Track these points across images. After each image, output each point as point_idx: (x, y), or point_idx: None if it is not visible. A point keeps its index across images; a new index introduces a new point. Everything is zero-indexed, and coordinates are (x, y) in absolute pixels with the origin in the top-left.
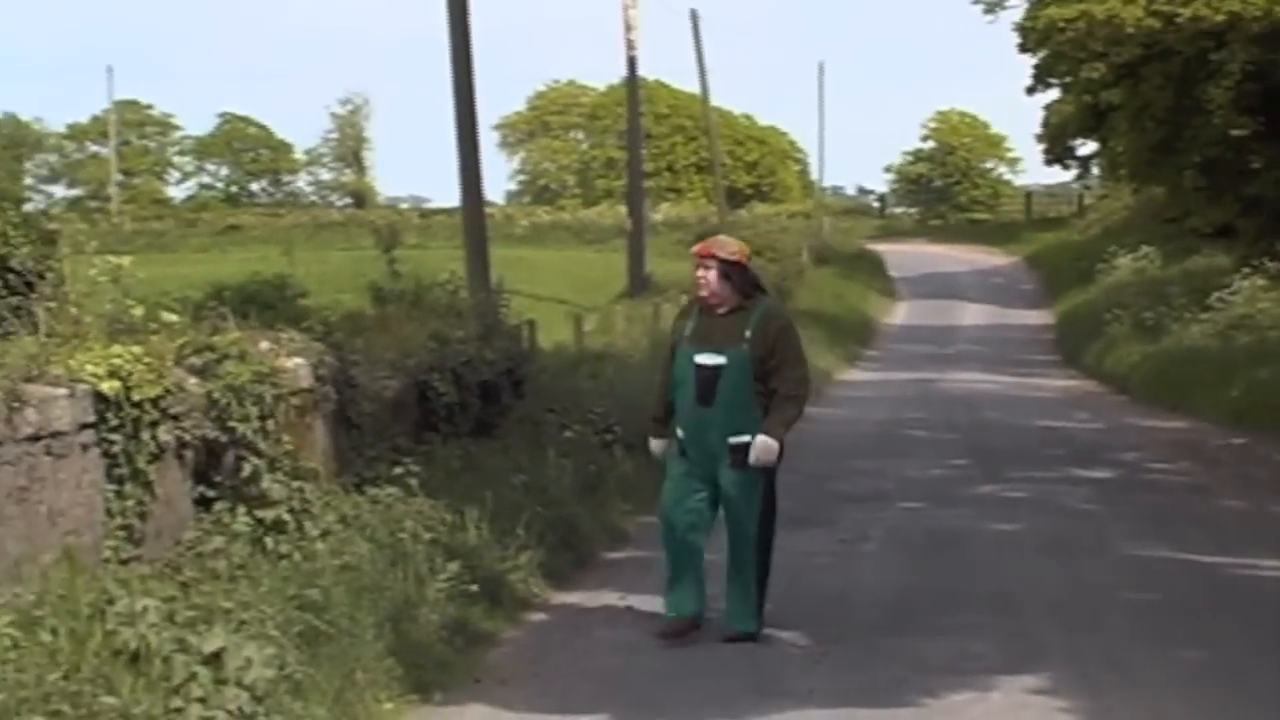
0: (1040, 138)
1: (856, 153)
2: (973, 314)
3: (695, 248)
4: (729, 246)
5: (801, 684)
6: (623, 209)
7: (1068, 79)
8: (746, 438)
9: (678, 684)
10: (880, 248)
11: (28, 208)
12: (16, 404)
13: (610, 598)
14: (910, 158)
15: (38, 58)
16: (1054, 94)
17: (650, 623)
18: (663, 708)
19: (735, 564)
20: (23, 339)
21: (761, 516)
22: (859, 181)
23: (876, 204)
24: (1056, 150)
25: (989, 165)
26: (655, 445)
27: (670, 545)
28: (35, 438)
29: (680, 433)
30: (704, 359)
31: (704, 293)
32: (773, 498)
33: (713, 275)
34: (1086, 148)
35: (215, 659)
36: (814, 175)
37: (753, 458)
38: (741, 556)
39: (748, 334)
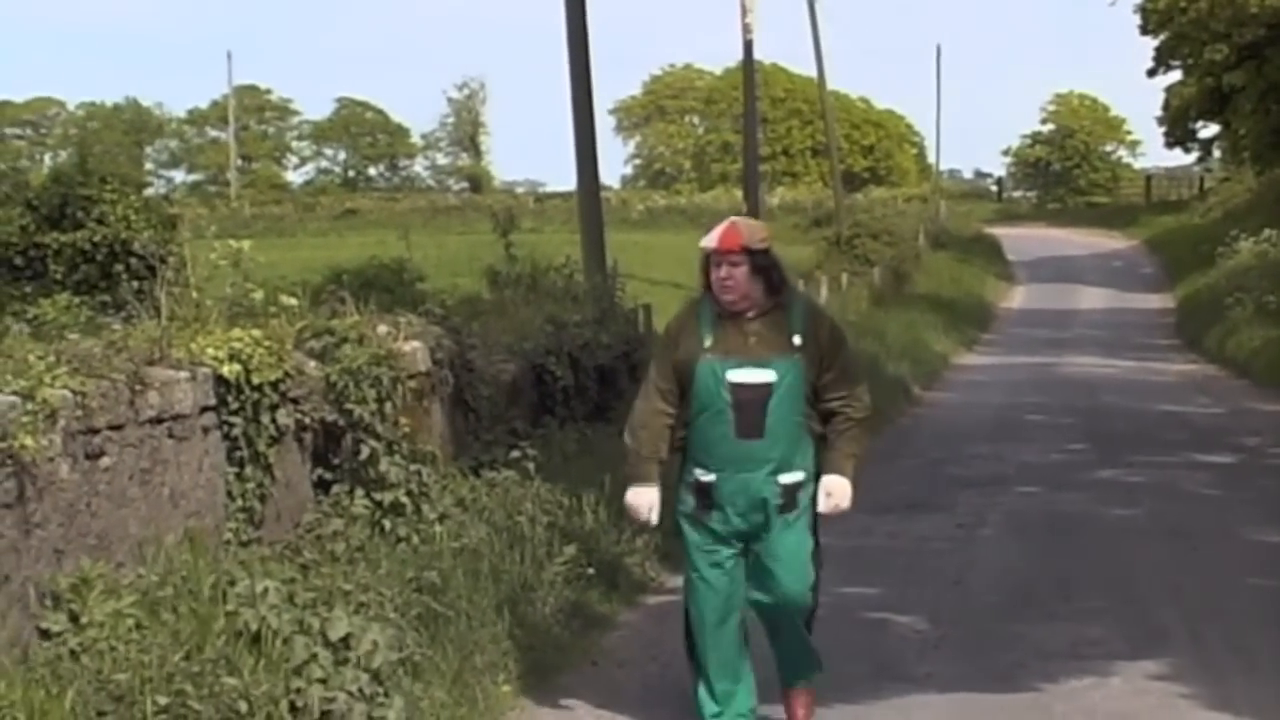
0: (1161, 120)
1: (974, 136)
2: (1091, 298)
3: (712, 241)
4: (758, 232)
5: (919, 668)
6: (738, 193)
7: (1189, 61)
8: (799, 475)
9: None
10: (998, 231)
11: (148, 193)
12: (139, 387)
13: None
14: (1029, 141)
15: (158, 43)
16: (1175, 76)
17: None
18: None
19: (783, 635)
20: (145, 322)
21: (814, 571)
22: (976, 165)
23: (994, 187)
24: (1177, 133)
25: (1108, 148)
26: (640, 497)
27: (706, 638)
28: (157, 420)
29: (705, 477)
30: (743, 376)
31: (730, 297)
32: (818, 545)
33: (742, 273)
34: (1208, 130)
35: (335, 641)
36: (931, 159)
37: (828, 505)
38: (790, 626)
39: (796, 339)
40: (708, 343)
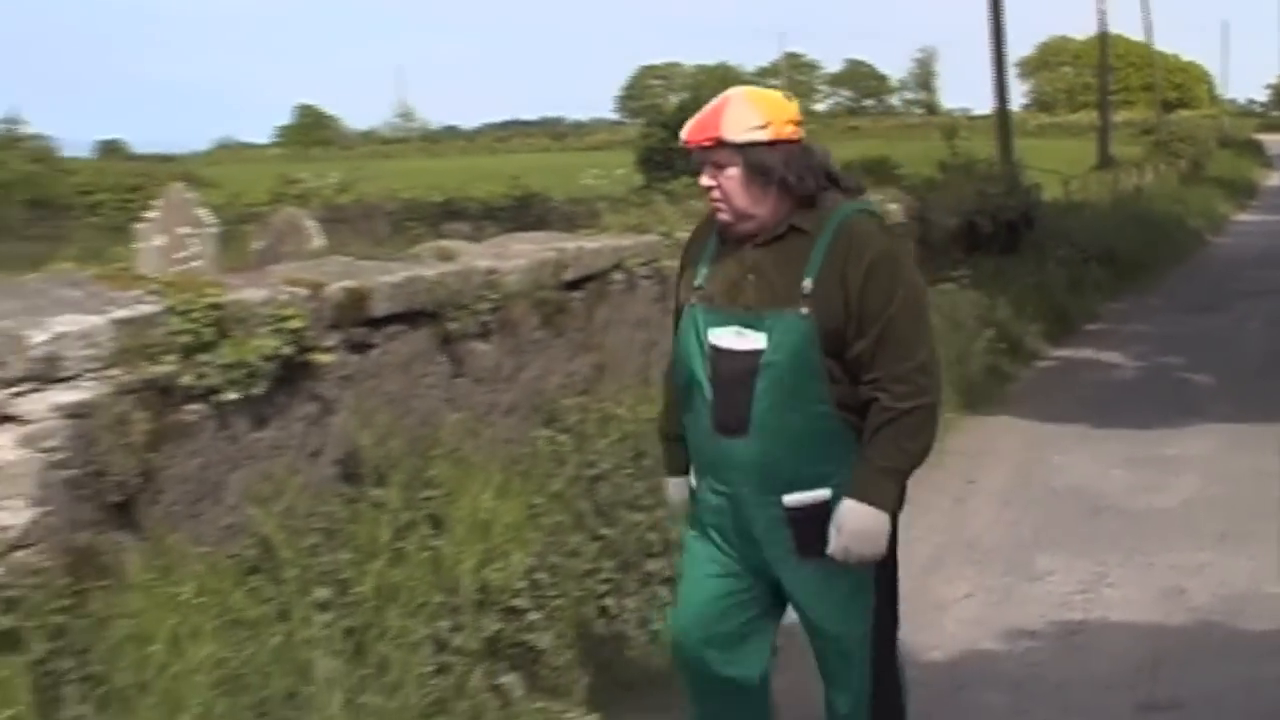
0: None
1: (1247, 74)
2: None
3: (684, 133)
4: (754, 114)
5: (1210, 407)
6: (1094, 113)
7: None
8: (821, 494)
9: (1130, 403)
10: (1262, 137)
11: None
12: None
13: (1087, 353)
14: None
15: (739, 27)
16: None
17: (1106, 370)
18: (1121, 417)
19: (838, 684)
20: None
21: (876, 615)
22: (1249, 95)
23: (1260, 108)
24: None
25: None
26: (671, 489)
27: (698, 696)
28: None
29: (693, 480)
30: (726, 337)
31: (724, 216)
32: (894, 578)
33: (732, 180)
34: None
35: None
36: (1219, 91)
37: (838, 546)
38: (836, 660)
39: (807, 282)
40: (700, 278)
